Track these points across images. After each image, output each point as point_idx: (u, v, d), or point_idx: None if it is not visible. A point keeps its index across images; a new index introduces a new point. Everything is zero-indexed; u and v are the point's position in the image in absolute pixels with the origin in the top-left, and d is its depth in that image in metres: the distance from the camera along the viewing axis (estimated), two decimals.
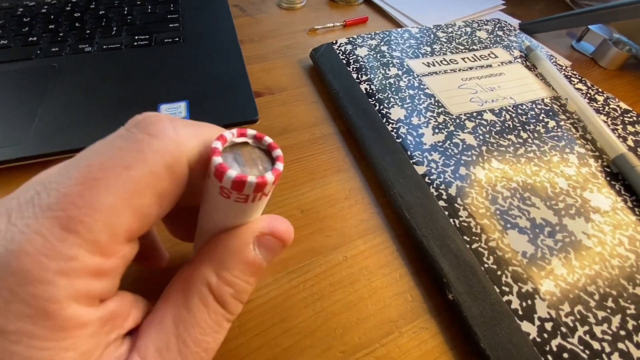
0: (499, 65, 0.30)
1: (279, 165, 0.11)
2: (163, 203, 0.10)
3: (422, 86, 0.28)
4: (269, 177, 0.10)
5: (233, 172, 0.10)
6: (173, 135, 0.10)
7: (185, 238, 0.16)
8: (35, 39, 0.30)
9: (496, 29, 0.35)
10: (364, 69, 0.29)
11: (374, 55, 0.30)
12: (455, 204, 0.20)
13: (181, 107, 0.24)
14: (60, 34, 0.31)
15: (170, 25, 0.33)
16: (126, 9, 0.35)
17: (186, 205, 0.13)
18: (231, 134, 0.11)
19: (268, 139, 0.11)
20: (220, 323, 0.11)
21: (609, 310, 0.16)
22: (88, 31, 0.31)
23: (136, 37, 0.31)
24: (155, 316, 0.11)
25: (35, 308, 0.08)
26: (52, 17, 0.33)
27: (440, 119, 0.25)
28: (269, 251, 0.12)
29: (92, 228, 0.08)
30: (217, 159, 0.10)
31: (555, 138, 0.24)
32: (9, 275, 0.08)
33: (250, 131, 0.11)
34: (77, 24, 0.32)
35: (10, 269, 0.08)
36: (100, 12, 0.34)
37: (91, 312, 0.09)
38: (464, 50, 0.32)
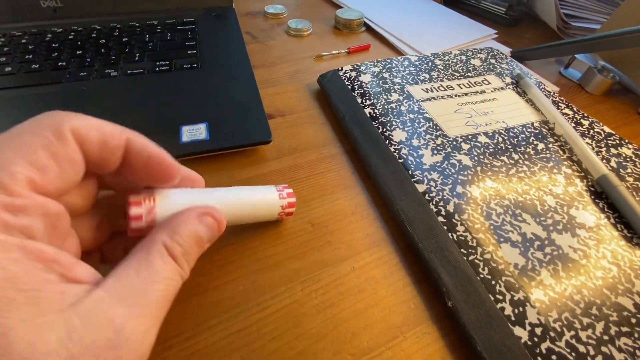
0: (492, 91, 0.33)
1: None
2: (62, 162, 0.13)
3: (421, 110, 0.30)
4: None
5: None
6: (62, 114, 0.13)
7: None
8: (64, 63, 0.33)
9: (489, 57, 0.38)
10: (367, 94, 0.31)
11: (377, 82, 0.33)
12: (453, 220, 0.22)
13: (201, 128, 0.27)
14: (88, 59, 0.33)
15: (189, 52, 0.36)
16: (147, 36, 0.38)
17: None
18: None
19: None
20: (174, 274, 0.14)
21: (593, 317, 0.18)
22: (113, 57, 0.34)
23: (157, 63, 0.34)
24: (119, 267, 0.14)
25: None
26: (79, 43, 0.36)
27: (439, 141, 0.27)
28: (208, 229, 0.16)
29: None
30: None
31: (544, 159, 0.26)
32: None
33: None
34: (102, 50, 0.35)
35: None
36: (124, 39, 0.37)
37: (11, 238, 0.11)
38: (459, 77, 0.34)
